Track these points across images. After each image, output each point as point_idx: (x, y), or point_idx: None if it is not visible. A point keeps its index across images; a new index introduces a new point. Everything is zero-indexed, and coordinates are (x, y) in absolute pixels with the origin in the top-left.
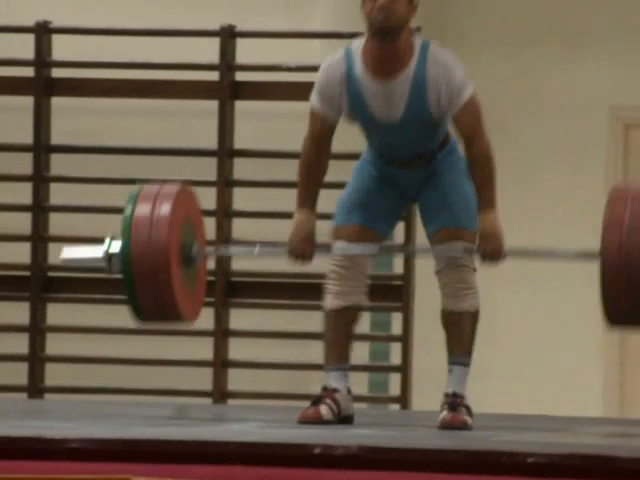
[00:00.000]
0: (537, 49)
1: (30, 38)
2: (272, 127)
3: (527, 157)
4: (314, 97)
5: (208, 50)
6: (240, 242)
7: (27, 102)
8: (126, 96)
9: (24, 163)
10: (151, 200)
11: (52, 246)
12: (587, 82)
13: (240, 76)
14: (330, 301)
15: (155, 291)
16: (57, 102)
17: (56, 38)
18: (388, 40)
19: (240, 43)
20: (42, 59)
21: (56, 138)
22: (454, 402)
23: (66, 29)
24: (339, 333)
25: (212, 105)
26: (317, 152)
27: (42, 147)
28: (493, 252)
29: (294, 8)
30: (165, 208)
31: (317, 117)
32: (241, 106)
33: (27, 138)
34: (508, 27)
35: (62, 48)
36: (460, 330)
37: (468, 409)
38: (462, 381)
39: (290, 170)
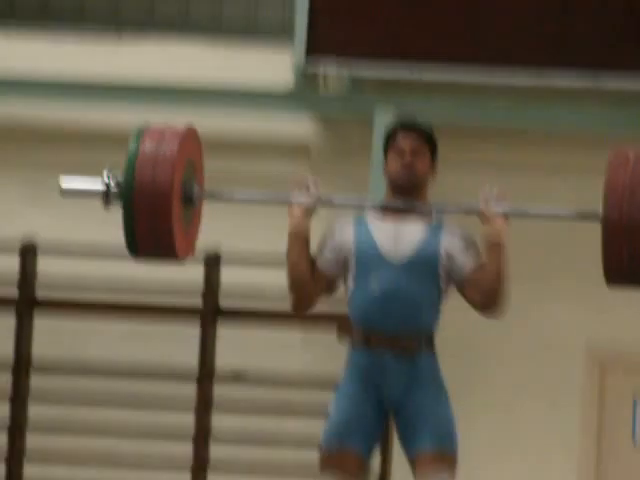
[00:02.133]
0: (514, 285)
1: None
2: None
3: (503, 392)
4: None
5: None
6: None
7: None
8: (107, 318)
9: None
10: (156, 138)
11: None
12: (564, 322)
13: None
14: None
15: (154, 223)
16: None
17: (41, 258)
18: (409, 197)
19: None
20: (26, 278)
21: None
22: None
23: (52, 249)
24: None
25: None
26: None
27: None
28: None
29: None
30: (172, 147)
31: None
32: None
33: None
34: None
35: (47, 267)
36: None
37: None
38: None
39: None
